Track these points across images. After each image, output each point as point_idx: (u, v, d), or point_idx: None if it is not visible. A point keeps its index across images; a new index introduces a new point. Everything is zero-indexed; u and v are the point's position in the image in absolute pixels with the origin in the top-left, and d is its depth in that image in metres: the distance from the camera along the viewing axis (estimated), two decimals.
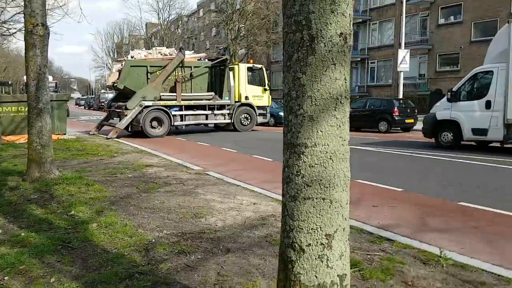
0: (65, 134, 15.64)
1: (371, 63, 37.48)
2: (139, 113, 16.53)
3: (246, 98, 19.38)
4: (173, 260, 3.91)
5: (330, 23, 1.93)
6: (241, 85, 19.23)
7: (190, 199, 6.27)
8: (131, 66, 17.06)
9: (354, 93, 37.42)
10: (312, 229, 2.07)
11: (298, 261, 2.10)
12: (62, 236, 4.54)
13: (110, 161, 10.12)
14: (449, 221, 5.34)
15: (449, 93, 12.23)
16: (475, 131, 11.60)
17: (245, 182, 7.49)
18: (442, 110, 12.48)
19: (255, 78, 19.72)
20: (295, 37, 2.00)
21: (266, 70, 21.14)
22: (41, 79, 7.40)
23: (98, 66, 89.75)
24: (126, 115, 16.38)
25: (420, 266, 3.82)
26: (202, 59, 19.94)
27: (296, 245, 2.11)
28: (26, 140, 8.28)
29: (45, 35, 7.40)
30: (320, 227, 2.07)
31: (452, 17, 30.89)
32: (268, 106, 20.33)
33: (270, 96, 20.75)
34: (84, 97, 70.70)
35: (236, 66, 19.42)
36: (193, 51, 27.00)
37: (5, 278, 3.54)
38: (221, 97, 18.58)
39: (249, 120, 19.53)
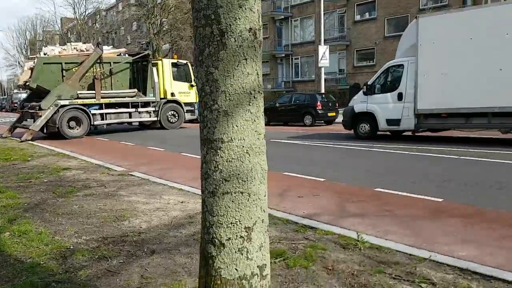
0: None
1: (295, 59, 38.57)
2: (55, 113, 15.54)
3: (172, 94, 19.00)
4: (93, 266, 3.73)
5: (239, 18, 1.94)
6: (166, 81, 18.81)
7: (112, 202, 6.03)
8: (44, 63, 15.96)
9: (280, 88, 38.32)
10: (231, 223, 2.09)
11: (219, 256, 2.10)
12: None
13: (24, 165, 9.42)
14: (367, 206, 5.68)
15: (364, 86, 12.97)
16: (389, 121, 12.43)
17: (172, 181, 7.35)
18: (359, 103, 13.20)
19: (180, 74, 19.38)
20: (205, 32, 1.99)
21: (192, 65, 20.88)
22: None
23: (10, 65, 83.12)
24: (41, 116, 15.32)
25: (340, 251, 4.02)
26: (122, 54, 19.16)
27: (216, 240, 2.11)
28: None
29: None
30: (239, 221, 2.09)
31: (367, 14, 32.76)
32: (195, 103, 20.08)
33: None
34: None
35: (159, 62, 18.95)
36: (111, 46, 25.87)
37: None
38: (145, 94, 18.03)
39: (177, 117, 19.19)
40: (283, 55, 39.06)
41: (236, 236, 2.09)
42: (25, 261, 3.85)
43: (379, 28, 31.65)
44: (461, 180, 6.89)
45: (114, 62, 17.52)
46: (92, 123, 16.55)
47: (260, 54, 2.07)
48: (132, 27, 57.61)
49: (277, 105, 20.89)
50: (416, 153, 9.99)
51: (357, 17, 33.24)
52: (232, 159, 2.04)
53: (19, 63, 69.98)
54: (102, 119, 16.92)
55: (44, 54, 17.18)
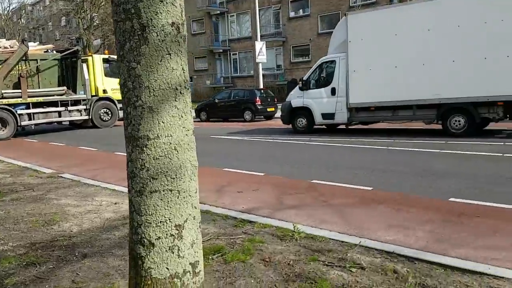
0: None
1: (233, 54, 38.57)
2: None
3: (104, 91, 18.27)
4: (21, 274, 3.52)
5: (161, 12, 1.90)
6: (97, 78, 18.05)
7: (41, 205, 5.70)
8: None
9: (220, 84, 38.20)
10: (161, 222, 2.05)
11: (148, 256, 2.06)
12: None
13: None
14: (304, 198, 5.84)
15: (300, 82, 13.29)
16: (324, 115, 12.85)
17: (105, 182, 7.08)
18: (296, 98, 13.51)
19: (113, 70, 18.62)
20: (125, 26, 1.93)
21: None
22: None
23: None
24: None
25: (277, 242, 4.10)
26: (49, 51, 18.10)
27: (145, 240, 2.06)
28: None
29: None
30: (169, 219, 2.06)
31: (301, 11, 33.52)
32: None
33: None
34: None
35: (89, 58, 18.16)
36: (38, 42, 24.32)
37: None
38: (75, 91, 17.21)
39: (110, 115, 18.48)
40: (221, 50, 38.93)
41: (166, 234, 2.05)
42: None
43: (312, 25, 32.52)
44: (389, 169, 7.30)
45: (41, 59, 16.56)
46: (19, 124, 15.59)
47: (185, 49, 2.04)
48: (61, 23, 54.52)
49: (216, 101, 20.81)
50: (349, 145, 10.41)
51: (292, 14, 33.90)
52: (160, 156, 2.00)
53: None
54: (30, 119, 15.96)
55: None
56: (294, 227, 4.39)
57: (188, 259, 2.12)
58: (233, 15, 37.93)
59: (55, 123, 17.75)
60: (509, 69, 9.75)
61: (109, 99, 18.41)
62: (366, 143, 10.40)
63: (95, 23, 38.80)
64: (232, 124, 18.32)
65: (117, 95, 18.67)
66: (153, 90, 1.95)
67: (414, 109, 11.28)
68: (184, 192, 2.10)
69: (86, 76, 17.49)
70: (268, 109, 19.87)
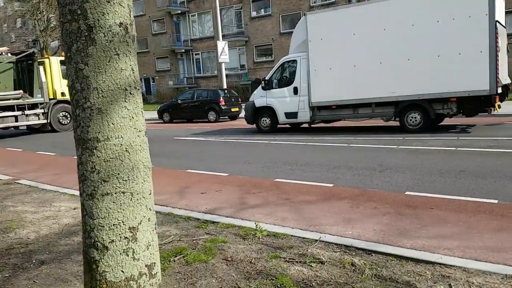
0: None
1: (195, 54, 38.29)
2: None
3: (63, 94, 17.71)
4: None
5: (108, 13, 1.88)
6: (55, 80, 17.49)
7: None
8: None
9: (183, 85, 37.82)
10: (114, 225, 2.03)
11: (103, 260, 2.04)
12: None
13: None
14: (266, 196, 5.90)
15: (263, 81, 13.37)
16: (288, 115, 13.00)
17: (64, 187, 6.89)
18: (259, 97, 13.58)
19: None
20: (72, 27, 1.90)
21: None
22: None
23: None
24: None
25: (239, 242, 4.13)
26: (4, 53, 17.38)
27: (99, 243, 2.04)
28: None
29: None
30: (123, 222, 2.04)
31: (262, 10, 33.73)
32: None
33: None
34: None
35: (46, 60, 17.57)
36: None
37: None
38: (32, 95, 16.60)
39: (69, 119, 17.93)
40: (183, 50, 38.55)
41: (120, 237, 2.03)
42: None
43: (274, 24, 32.79)
44: (350, 166, 7.48)
45: None
46: None
47: (134, 49, 2.03)
48: (16, 24, 52.25)
49: (179, 102, 20.59)
50: (312, 144, 10.58)
51: (253, 13, 34.04)
52: (111, 158, 1.98)
53: None
54: None
55: None
56: (257, 225, 4.43)
57: (144, 261, 2.11)
58: (195, 14, 37.65)
59: (12, 128, 17.06)
60: (461, 66, 10.21)
61: (68, 102, 17.82)
62: (328, 141, 10.60)
63: (52, 25, 37.48)
64: (196, 125, 18.19)
65: None
66: (102, 91, 1.93)
67: (373, 107, 11.60)
68: (137, 194, 2.09)
69: (43, 79, 16.91)
70: (233, 109, 19.86)
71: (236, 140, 12.15)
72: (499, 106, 10.61)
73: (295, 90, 12.71)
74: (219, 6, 23.86)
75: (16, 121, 16.26)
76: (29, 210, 5.62)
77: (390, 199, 5.37)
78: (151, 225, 2.18)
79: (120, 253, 2.03)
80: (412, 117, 11.20)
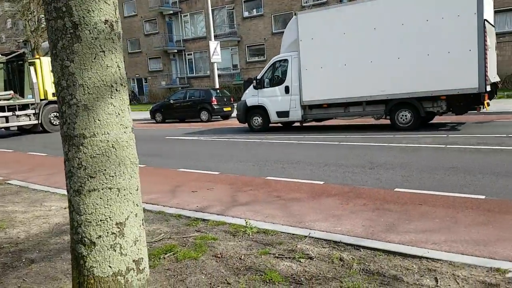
0: None
1: (188, 54, 38.24)
2: None
3: (54, 95, 17.60)
4: None
5: (93, 10, 1.90)
6: (46, 81, 17.38)
7: None
8: None
9: (176, 85, 37.75)
10: (101, 220, 2.05)
11: (90, 255, 2.05)
12: None
13: None
14: (257, 194, 5.93)
15: (254, 81, 13.41)
16: (279, 113, 13.04)
17: (54, 187, 6.87)
18: (250, 97, 13.62)
19: None
20: (57, 24, 1.91)
21: None
22: None
23: None
24: None
25: (229, 239, 4.16)
26: None
27: (86, 239, 2.05)
28: None
29: None
30: (110, 217, 2.06)
31: (254, 10, 33.76)
32: None
33: None
34: None
35: (37, 60, 17.46)
36: None
37: None
38: (22, 96, 16.51)
39: None
40: (176, 50, 38.48)
41: (107, 233, 2.05)
42: None
43: (266, 24, 32.84)
44: (340, 163, 7.54)
45: None
46: None
47: (120, 46, 2.05)
48: (7, 25, 51.79)
49: (172, 101, 20.57)
50: (304, 142, 10.64)
51: (246, 14, 34.07)
52: (97, 154, 2.00)
53: None
54: None
55: None
56: (247, 222, 4.46)
57: (131, 257, 2.13)
58: (187, 15, 37.59)
59: (3, 129, 16.94)
60: (450, 65, 10.31)
61: None
62: (319, 139, 10.66)
63: (43, 25, 37.19)
64: (188, 125, 18.18)
65: None
66: (88, 88, 1.95)
67: (364, 106, 11.68)
68: (124, 190, 2.11)
69: (34, 80, 16.81)
70: (225, 109, 19.87)
71: (228, 139, 12.18)
72: (488, 104, 10.73)
73: (287, 89, 12.76)
74: (211, 6, 23.86)
75: (7, 122, 16.15)
76: (20, 210, 5.60)
77: (379, 195, 5.42)
78: (138, 221, 2.20)
79: (108, 249, 2.05)
80: (402, 115, 11.29)
